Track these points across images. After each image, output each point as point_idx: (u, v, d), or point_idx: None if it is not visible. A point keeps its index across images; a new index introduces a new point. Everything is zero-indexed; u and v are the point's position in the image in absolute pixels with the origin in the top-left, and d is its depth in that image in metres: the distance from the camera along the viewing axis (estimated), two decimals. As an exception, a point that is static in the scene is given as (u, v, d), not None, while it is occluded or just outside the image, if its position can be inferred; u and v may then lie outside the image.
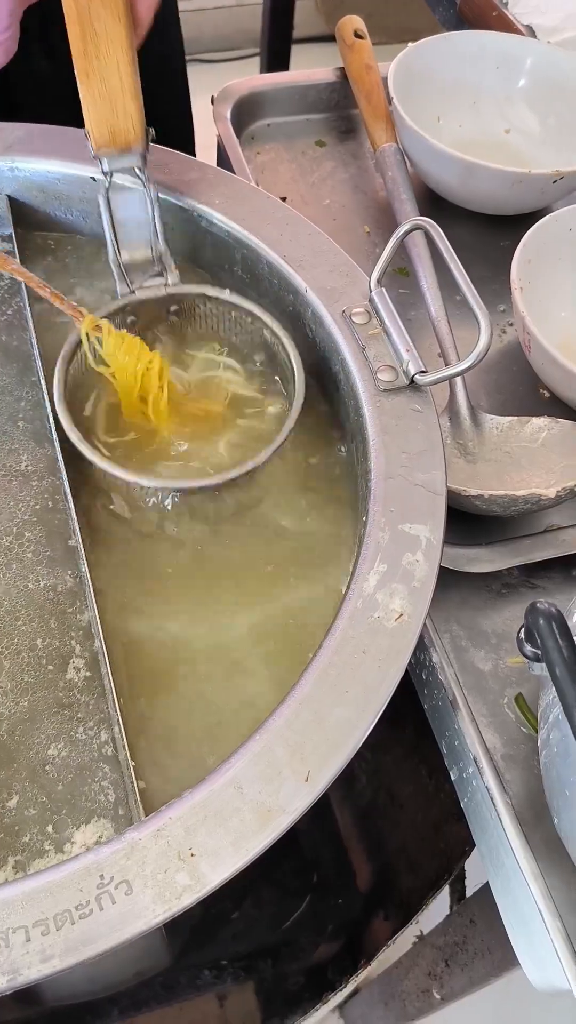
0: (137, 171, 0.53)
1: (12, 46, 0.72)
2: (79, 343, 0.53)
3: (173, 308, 0.56)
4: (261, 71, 1.90)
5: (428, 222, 0.52)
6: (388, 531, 0.46)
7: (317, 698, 0.41)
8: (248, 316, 0.55)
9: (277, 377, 0.58)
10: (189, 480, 0.50)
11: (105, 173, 0.53)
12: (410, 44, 0.76)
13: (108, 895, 0.36)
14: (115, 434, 0.55)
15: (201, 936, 0.78)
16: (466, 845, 0.65)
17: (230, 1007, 0.79)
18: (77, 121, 0.80)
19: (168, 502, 0.52)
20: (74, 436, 0.49)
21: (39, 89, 0.78)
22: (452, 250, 0.50)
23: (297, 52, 1.88)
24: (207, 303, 0.56)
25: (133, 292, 0.55)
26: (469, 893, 0.69)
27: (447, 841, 0.69)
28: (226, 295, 0.55)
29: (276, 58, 1.85)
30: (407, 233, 0.53)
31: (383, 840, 0.81)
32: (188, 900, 0.36)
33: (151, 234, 0.55)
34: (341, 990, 0.72)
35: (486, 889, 0.64)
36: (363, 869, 0.83)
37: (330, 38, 2.37)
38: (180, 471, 0.53)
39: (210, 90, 0.88)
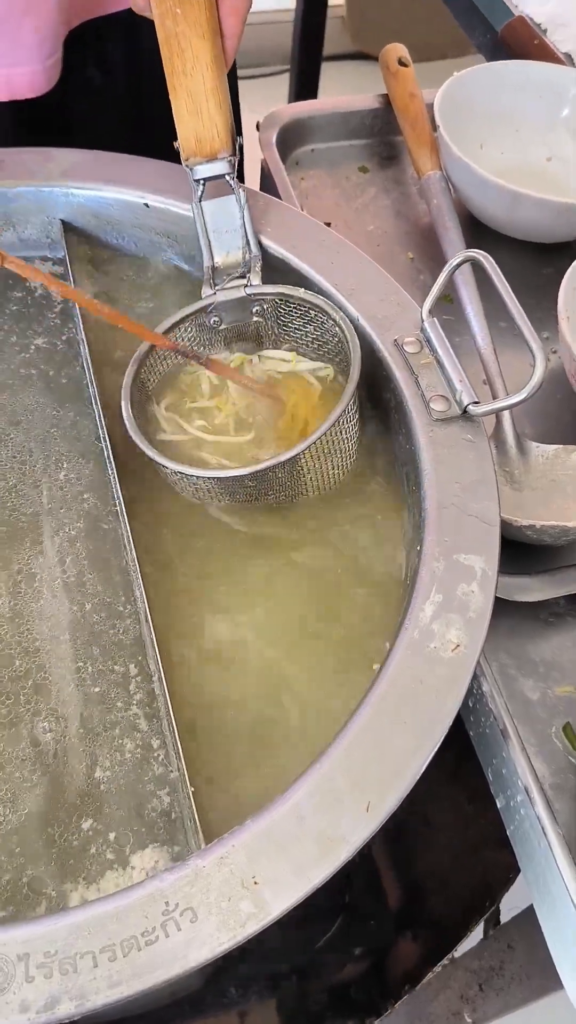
0: (227, 178, 0.55)
1: (56, 72, 0.73)
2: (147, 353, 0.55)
3: (255, 309, 0.57)
4: (290, 89, 1.91)
5: (482, 255, 0.52)
6: (443, 561, 0.46)
7: (376, 727, 0.41)
8: (323, 314, 0.55)
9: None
10: (227, 470, 0.50)
11: (196, 181, 0.55)
12: (455, 73, 0.77)
13: (173, 922, 0.37)
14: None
15: (234, 956, 0.78)
16: (508, 873, 0.66)
17: (250, 1024, 0.79)
18: (129, 130, 0.82)
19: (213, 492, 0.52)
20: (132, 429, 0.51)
21: (94, 100, 0.79)
22: (506, 283, 0.51)
23: (325, 69, 1.90)
24: (288, 303, 0.57)
25: (215, 293, 0.56)
26: (504, 917, 0.69)
27: (486, 865, 0.69)
28: (300, 292, 0.56)
29: (306, 76, 1.87)
30: (459, 265, 0.54)
31: (415, 861, 0.81)
32: (252, 928, 0.37)
33: (242, 239, 0.57)
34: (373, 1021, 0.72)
35: (524, 916, 0.64)
36: (394, 889, 0.83)
37: (358, 56, 2.39)
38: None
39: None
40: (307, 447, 0.49)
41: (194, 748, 0.46)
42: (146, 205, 0.62)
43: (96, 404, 0.55)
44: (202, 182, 0.55)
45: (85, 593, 0.51)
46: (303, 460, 0.50)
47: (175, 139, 0.54)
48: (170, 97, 0.53)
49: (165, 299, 0.65)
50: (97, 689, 0.47)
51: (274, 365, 0.59)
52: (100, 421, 0.54)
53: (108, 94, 0.80)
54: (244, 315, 0.58)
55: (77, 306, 0.58)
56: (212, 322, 0.57)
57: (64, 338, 0.61)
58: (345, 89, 2.18)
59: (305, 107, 0.82)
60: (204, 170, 0.54)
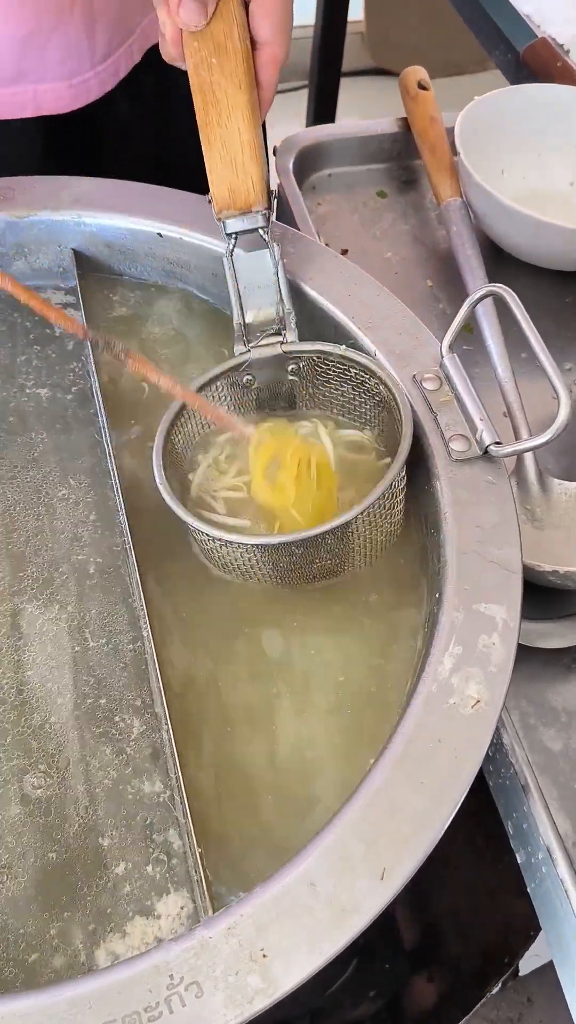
0: (261, 232, 0.53)
1: (84, 91, 0.73)
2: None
3: (291, 367, 0.55)
4: (308, 105, 1.91)
5: (504, 289, 0.51)
6: (463, 611, 0.45)
7: (391, 789, 0.39)
8: (365, 372, 0.53)
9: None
10: (272, 536, 0.48)
11: (229, 235, 0.53)
12: (475, 97, 0.75)
13: (178, 997, 0.35)
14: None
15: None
16: (529, 926, 0.63)
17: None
18: (155, 161, 0.81)
19: (253, 562, 0.50)
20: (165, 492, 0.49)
21: (120, 128, 0.78)
22: (529, 319, 0.49)
23: (344, 85, 1.89)
24: (327, 361, 0.54)
25: (249, 351, 0.54)
26: (523, 968, 0.67)
27: (505, 915, 0.67)
28: (341, 350, 0.53)
29: (324, 92, 1.86)
30: (480, 299, 0.52)
31: (433, 901, 0.79)
32: (260, 1005, 0.35)
33: (276, 294, 0.54)
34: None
35: (545, 969, 0.62)
36: (410, 929, 0.81)
37: (376, 72, 2.38)
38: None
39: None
40: (362, 511, 0.46)
41: (202, 808, 0.44)
42: (159, 235, 0.61)
43: (107, 443, 0.54)
44: (234, 236, 0.53)
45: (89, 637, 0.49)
46: (355, 526, 0.47)
47: (206, 188, 0.52)
48: (203, 148, 0.51)
49: (180, 330, 0.63)
50: (98, 742, 0.46)
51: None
52: (111, 464, 0.53)
53: (135, 123, 0.79)
54: (280, 373, 0.55)
55: (90, 345, 0.57)
56: (245, 380, 0.55)
57: (74, 377, 0.60)
58: (364, 105, 2.17)
59: (322, 131, 0.80)
60: (237, 224, 0.52)
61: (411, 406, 0.50)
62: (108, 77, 0.74)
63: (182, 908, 0.41)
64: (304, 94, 1.94)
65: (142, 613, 0.48)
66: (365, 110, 2.28)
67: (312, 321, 0.57)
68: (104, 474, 0.55)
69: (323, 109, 1.88)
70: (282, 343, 0.54)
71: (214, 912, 0.38)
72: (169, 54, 0.53)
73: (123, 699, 0.47)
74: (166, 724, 0.45)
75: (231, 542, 0.47)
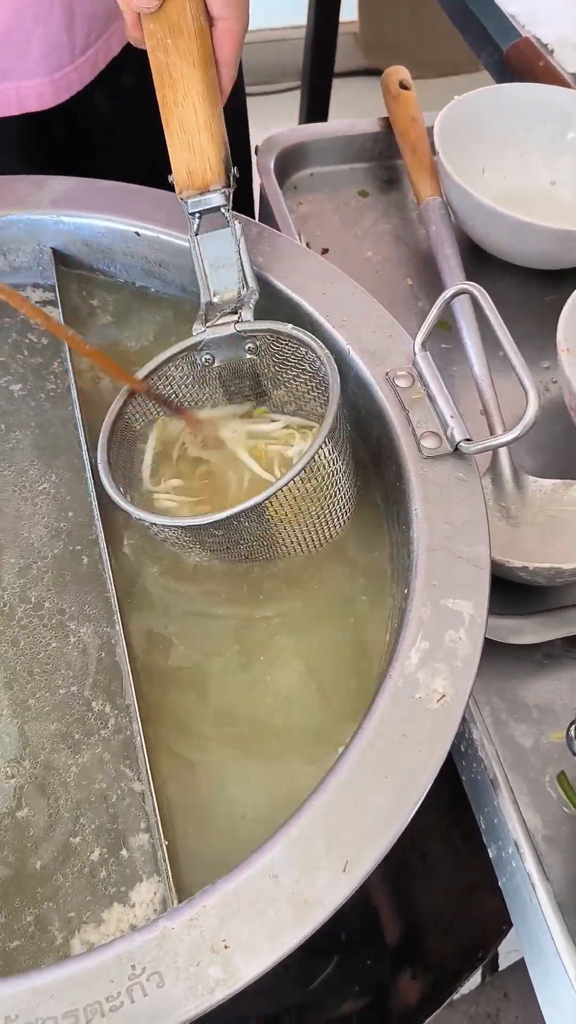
0: (222, 211, 0.53)
1: (65, 86, 0.73)
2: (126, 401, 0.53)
3: (248, 346, 0.55)
4: (301, 105, 1.91)
5: (475, 287, 0.51)
6: (430, 606, 0.45)
7: (356, 783, 0.40)
8: (309, 350, 0.52)
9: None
10: (195, 517, 0.47)
11: (191, 215, 0.53)
12: (456, 97, 0.75)
13: (140, 986, 0.35)
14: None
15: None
16: (503, 924, 0.64)
17: (249, 1062, 0.78)
18: (139, 159, 0.81)
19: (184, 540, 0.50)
20: (106, 480, 0.49)
21: (103, 125, 0.79)
22: (500, 317, 0.50)
23: (336, 86, 1.89)
24: (279, 340, 0.54)
25: (204, 330, 0.54)
26: (502, 963, 0.67)
27: (481, 911, 0.67)
28: (288, 328, 0.53)
29: (317, 93, 1.86)
30: (452, 298, 0.53)
31: (413, 899, 0.79)
32: (220, 995, 0.35)
33: (238, 273, 0.55)
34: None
35: (520, 965, 0.62)
36: (392, 927, 0.81)
37: (369, 71, 2.38)
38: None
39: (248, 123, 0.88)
40: (272, 493, 0.46)
41: (165, 803, 0.45)
42: (137, 234, 0.61)
43: (83, 438, 0.54)
44: (197, 215, 0.53)
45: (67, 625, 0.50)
46: (272, 508, 0.47)
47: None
48: (164, 129, 0.52)
49: (157, 328, 0.64)
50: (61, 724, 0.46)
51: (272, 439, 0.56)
52: (87, 461, 0.53)
53: (118, 119, 0.79)
54: (238, 352, 0.55)
55: (67, 344, 0.57)
56: (204, 360, 0.55)
57: (53, 376, 0.60)
58: (356, 105, 2.17)
59: (304, 131, 0.81)
60: (198, 203, 0.53)
61: (339, 384, 0.49)
62: (87, 70, 0.74)
63: (155, 894, 0.42)
64: (296, 95, 1.94)
65: (114, 605, 0.49)
66: (358, 111, 2.26)
67: (286, 318, 0.57)
68: (81, 469, 0.55)
69: (315, 110, 1.88)
70: (236, 322, 0.54)
71: (179, 903, 0.38)
72: (132, 37, 0.53)
73: (95, 689, 0.47)
74: (136, 715, 0.45)
75: (153, 523, 0.48)
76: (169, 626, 0.50)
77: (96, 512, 0.52)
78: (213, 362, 0.56)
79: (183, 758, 0.46)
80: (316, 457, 0.46)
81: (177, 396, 0.56)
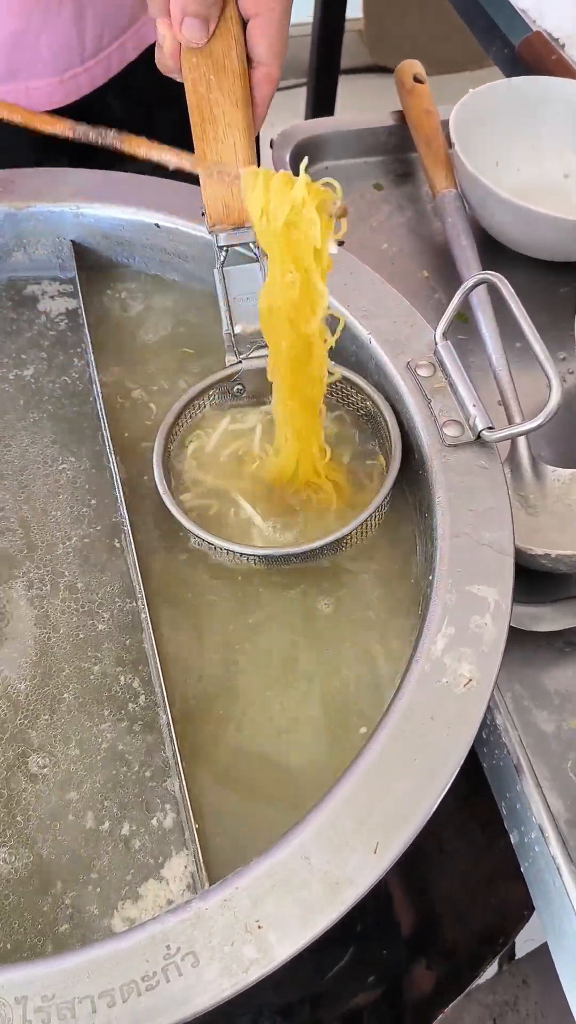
0: (252, 246, 0.53)
1: (75, 87, 0.73)
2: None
3: None
4: (307, 103, 1.91)
5: (496, 276, 0.51)
6: (455, 592, 0.45)
7: (385, 766, 0.40)
8: (352, 387, 0.55)
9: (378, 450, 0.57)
10: (273, 548, 0.50)
11: (220, 247, 0.53)
12: (471, 89, 0.76)
13: (175, 966, 0.36)
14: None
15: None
16: (524, 908, 0.64)
17: (262, 1053, 0.78)
18: (148, 166, 0.82)
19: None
20: (168, 500, 0.51)
21: (113, 125, 0.79)
22: (522, 306, 0.50)
23: (342, 83, 1.89)
24: None
25: (240, 362, 0.55)
26: (519, 952, 0.67)
27: (500, 898, 0.67)
28: (328, 366, 0.53)
29: (323, 90, 1.87)
30: (474, 287, 0.53)
31: (429, 888, 0.79)
32: (255, 974, 0.36)
33: None
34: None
35: (541, 951, 0.63)
36: (407, 916, 0.82)
37: (375, 69, 2.38)
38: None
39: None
40: (356, 527, 0.49)
41: (197, 788, 0.45)
42: (157, 226, 0.61)
43: (104, 430, 0.55)
44: (225, 249, 0.53)
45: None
46: (349, 537, 0.50)
47: (200, 208, 0.53)
48: (196, 162, 0.52)
49: (176, 319, 0.64)
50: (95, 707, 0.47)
51: None
52: (113, 467, 0.54)
53: (127, 124, 0.79)
54: (267, 383, 0.55)
55: (88, 339, 0.58)
56: (235, 390, 0.56)
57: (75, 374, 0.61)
58: (362, 103, 2.17)
59: (319, 124, 0.81)
60: (229, 238, 0.53)
61: (399, 430, 0.52)
62: (99, 73, 0.75)
63: (184, 867, 0.42)
64: (303, 92, 1.94)
65: (140, 596, 0.49)
66: (364, 107, 2.27)
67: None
68: (103, 457, 0.55)
69: (321, 107, 1.89)
70: None
71: (210, 885, 0.38)
72: (166, 66, 0.54)
73: (121, 674, 0.48)
74: (163, 703, 0.46)
75: (230, 551, 0.50)
76: (193, 611, 0.51)
77: (121, 500, 0.52)
78: (243, 392, 0.57)
79: (209, 735, 0.47)
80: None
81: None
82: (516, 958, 0.67)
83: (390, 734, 0.41)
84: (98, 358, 0.59)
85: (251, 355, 0.55)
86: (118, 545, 0.52)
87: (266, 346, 0.54)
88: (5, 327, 0.62)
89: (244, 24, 0.52)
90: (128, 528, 0.51)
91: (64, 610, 0.50)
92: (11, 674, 0.48)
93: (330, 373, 0.52)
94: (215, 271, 0.55)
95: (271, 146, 0.78)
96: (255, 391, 0.57)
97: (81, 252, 0.64)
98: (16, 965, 0.36)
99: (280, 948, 0.36)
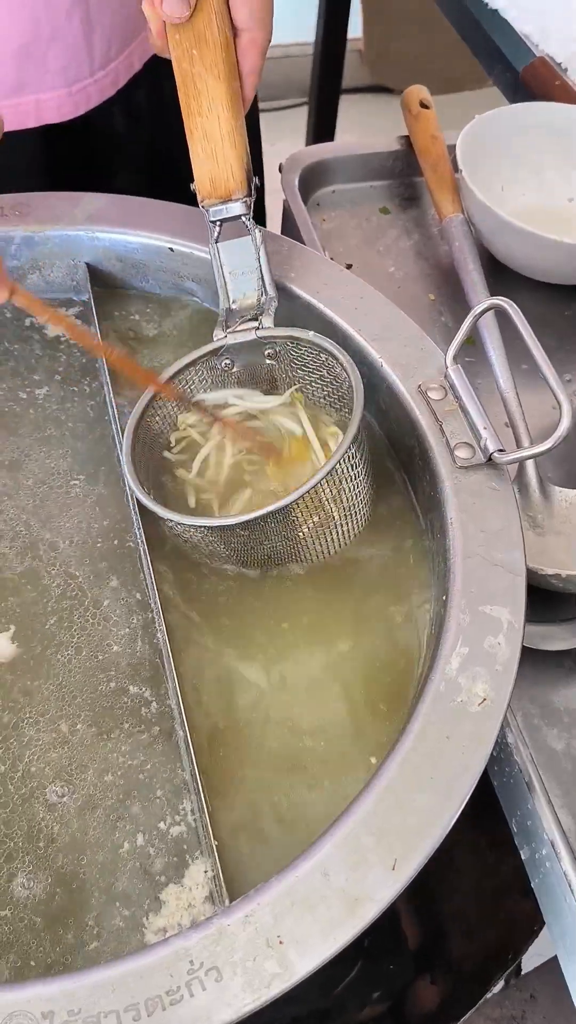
0: (243, 219, 0.54)
1: (84, 99, 0.74)
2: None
3: (268, 352, 0.57)
4: (308, 122, 1.93)
5: (507, 302, 0.53)
6: (469, 612, 0.46)
7: (401, 784, 0.41)
8: (332, 357, 0.54)
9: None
10: (221, 518, 0.50)
11: (212, 222, 0.55)
12: (476, 116, 0.77)
13: (198, 981, 0.36)
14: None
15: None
16: (532, 925, 0.65)
17: (272, 1067, 0.78)
18: (147, 180, 0.83)
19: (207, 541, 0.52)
20: (132, 480, 0.51)
21: (115, 147, 0.80)
22: (532, 331, 0.51)
23: (343, 102, 1.91)
24: (300, 346, 0.56)
25: (225, 336, 0.56)
26: (525, 966, 0.68)
27: (508, 915, 0.68)
28: (310, 335, 0.54)
29: (324, 109, 1.88)
30: (484, 312, 0.54)
31: (437, 904, 0.80)
32: (277, 989, 0.36)
33: (257, 280, 0.56)
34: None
35: (548, 966, 0.63)
36: (413, 932, 0.82)
37: (375, 89, 2.40)
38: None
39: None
40: (300, 496, 0.47)
41: (217, 802, 0.46)
42: (171, 249, 0.63)
43: (120, 449, 0.56)
44: (218, 223, 0.55)
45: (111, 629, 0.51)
46: (298, 511, 0.49)
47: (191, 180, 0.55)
48: (187, 138, 0.53)
49: (189, 340, 0.65)
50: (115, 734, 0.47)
51: (286, 425, 0.57)
52: (129, 479, 0.55)
53: (129, 136, 0.81)
54: (257, 358, 0.57)
55: (105, 363, 0.59)
56: (224, 365, 0.57)
57: (89, 392, 0.62)
58: (363, 121, 2.20)
59: (326, 149, 0.82)
60: (219, 211, 0.54)
61: (363, 391, 0.50)
62: (107, 85, 0.76)
63: (205, 872, 0.43)
64: (304, 111, 1.96)
65: (155, 607, 0.50)
66: (364, 126, 2.31)
67: (319, 332, 0.59)
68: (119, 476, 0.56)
69: (323, 126, 1.91)
70: (257, 328, 0.55)
71: (230, 901, 0.39)
72: (156, 45, 0.54)
73: (138, 689, 0.49)
74: (181, 719, 0.47)
75: (179, 523, 0.49)
76: (206, 623, 0.52)
77: (135, 517, 0.53)
78: (232, 367, 0.58)
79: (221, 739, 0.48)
80: (343, 459, 0.48)
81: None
82: (523, 973, 0.67)
83: (407, 753, 0.42)
84: (112, 379, 0.59)
85: (237, 328, 0.56)
86: (136, 564, 0.53)
87: (253, 318, 0.55)
88: (21, 347, 0.63)
89: None
90: (144, 545, 0.52)
91: (80, 628, 0.51)
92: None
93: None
94: (210, 246, 0.56)
95: (280, 170, 0.79)
96: (245, 367, 0.57)
97: (96, 275, 0.65)
98: (42, 980, 0.36)
99: (301, 963, 0.37)
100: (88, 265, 0.64)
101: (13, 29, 0.68)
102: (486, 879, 0.70)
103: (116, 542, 0.54)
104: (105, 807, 0.45)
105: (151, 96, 0.81)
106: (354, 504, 0.52)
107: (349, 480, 0.50)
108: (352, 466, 0.50)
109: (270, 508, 0.47)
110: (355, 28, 2.16)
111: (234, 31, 0.53)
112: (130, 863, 0.44)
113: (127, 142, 0.83)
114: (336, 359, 0.53)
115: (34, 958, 0.41)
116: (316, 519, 0.51)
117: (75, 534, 0.54)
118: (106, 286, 0.66)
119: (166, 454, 0.57)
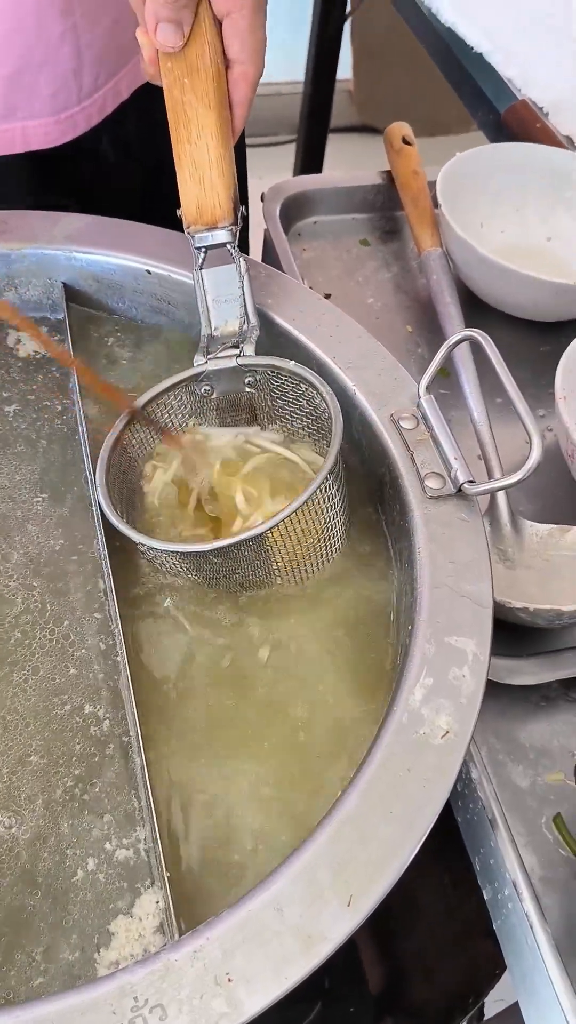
0: (228, 247, 0.54)
1: (71, 127, 0.74)
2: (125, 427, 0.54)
3: (248, 380, 0.56)
4: (296, 158, 1.96)
5: (480, 334, 0.53)
6: (434, 643, 0.45)
7: (361, 817, 0.40)
8: (311, 388, 0.53)
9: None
10: (196, 544, 0.48)
11: (197, 248, 0.55)
12: (457, 153, 0.78)
13: (142, 1019, 0.35)
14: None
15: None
16: (495, 967, 0.63)
17: None
18: (135, 208, 0.83)
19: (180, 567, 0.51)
20: (107, 507, 0.50)
21: (104, 170, 0.80)
22: (504, 364, 0.51)
23: (330, 140, 1.94)
24: (280, 375, 0.55)
25: (206, 362, 0.55)
26: (488, 1011, 0.66)
27: (470, 957, 0.66)
28: (291, 365, 0.54)
29: (312, 147, 1.91)
30: (457, 343, 0.54)
31: (398, 944, 0.78)
32: (224, 1029, 0.35)
33: (240, 308, 0.56)
34: None
35: (507, 1013, 0.62)
36: (375, 973, 0.80)
37: (362, 128, 2.44)
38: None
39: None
40: (274, 524, 0.47)
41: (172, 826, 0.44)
42: (148, 272, 0.62)
43: (88, 467, 0.55)
44: (203, 250, 0.54)
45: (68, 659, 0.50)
46: (272, 539, 0.48)
47: (178, 207, 0.55)
48: (175, 165, 0.53)
49: (163, 364, 0.65)
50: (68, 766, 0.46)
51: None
52: (96, 510, 0.54)
53: (117, 162, 0.81)
54: (237, 385, 0.56)
55: (76, 376, 0.58)
56: (203, 391, 0.56)
57: (60, 410, 0.61)
58: (349, 160, 2.23)
59: (309, 180, 0.83)
60: (205, 238, 0.54)
61: (342, 424, 0.50)
62: (94, 112, 0.76)
63: (156, 903, 0.42)
64: (290, 148, 1.99)
65: (116, 630, 0.49)
66: (351, 165, 2.32)
67: (293, 359, 0.58)
68: (86, 499, 0.55)
69: (310, 162, 1.93)
70: (237, 356, 0.55)
71: (180, 935, 0.38)
72: (149, 73, 0.55)
73: (91, 714, 0.47)
74: (138, 745, 0.45)
75: (152, 547, 0.49)
76: (168, 641, 0.51)
77: (100, 536, 0.52)
78: (212, 393, 0.57)
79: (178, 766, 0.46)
80: (319, 490, 0.47)
81: (173, 425, 0.57)
82: (485, 1018, 0.65)
83: (367, 785, 0.41)
84: (82, 399, 0.59)
85: (218, 355, 0.55)
86: (97, 585, 0.52)
87: (234, 345, 0.55)
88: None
89: (220, 25, 0.53)
90: (108, 568, 0.51)
91: (36, 650, 0.50)
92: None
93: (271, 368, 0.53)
94: (193, 272, 0.56)
95: (262, 199, 0.80)
96: (225, 394, 0.57)
97: (72, 294, 0.64)
98: (-22, 1015, 0.35)
99: (250, 1002, 0.35)
100: (65, 284, 0.64)
101: (5, 55, 0.68)
102: (449, 919, 0.69)
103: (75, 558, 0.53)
104: (57, 834, 0.44)
105: (140, 124, 0.81)
106: (329, 533, 0.51)
107: (326, 511, 0.50)
108: (328, 497, 0.50)
109: (244, 535, 0.47)
110: (345, 69, 2.20)
111: (226, 63, 0.53)
112: (81, 893, 0.42)
113: (114, 169, 0.83)
114: (316, 389, 0.53)
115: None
116: (289, 547, 0.50)
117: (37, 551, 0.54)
118: (82, 306, 0.66)
119: (144, 477, 0.56)
